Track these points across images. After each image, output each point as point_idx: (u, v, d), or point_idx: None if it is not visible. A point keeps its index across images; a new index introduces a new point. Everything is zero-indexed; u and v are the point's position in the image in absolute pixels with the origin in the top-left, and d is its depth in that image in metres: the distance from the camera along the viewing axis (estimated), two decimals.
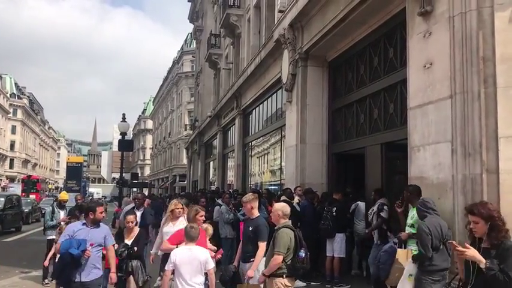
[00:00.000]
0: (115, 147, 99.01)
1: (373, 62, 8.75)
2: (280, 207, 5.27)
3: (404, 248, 5.58)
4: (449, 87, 5.30)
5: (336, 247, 8.35)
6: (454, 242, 3.65)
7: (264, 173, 17.44)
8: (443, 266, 4.80)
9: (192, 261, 4.84)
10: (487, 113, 4.96)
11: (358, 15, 8.22)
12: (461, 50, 5.21)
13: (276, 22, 12.38)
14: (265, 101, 16.08)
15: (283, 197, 8.99)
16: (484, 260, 3.40)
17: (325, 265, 8.44)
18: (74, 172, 32.16)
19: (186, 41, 55.97)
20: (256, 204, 5.86)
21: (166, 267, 4.96)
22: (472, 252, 3.44)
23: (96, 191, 77.11)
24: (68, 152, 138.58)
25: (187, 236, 5.01)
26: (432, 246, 4.72)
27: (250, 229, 5.69)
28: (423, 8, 5.72)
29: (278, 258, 4.88)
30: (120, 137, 19.68)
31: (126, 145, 20.27)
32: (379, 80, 8.43)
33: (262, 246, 5.37)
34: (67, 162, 33.35)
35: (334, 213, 8.26)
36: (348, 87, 10.01)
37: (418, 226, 5.03)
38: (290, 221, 5.23)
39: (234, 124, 20.38)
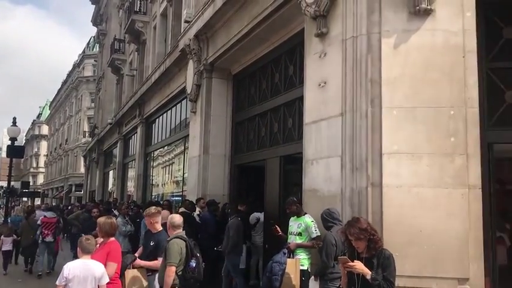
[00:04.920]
0: (3, 153, 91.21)
1: (275, 77, 9.05)
2: (169, 218, 5.32)
3: (293, 257, 5.83)
4: (340, 105, 5.63)
5: None
6: (345, 257, 3.91)
7: (166, 183, 17.14)
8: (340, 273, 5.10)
9: (87, 276, 4.60)
10: (373, 131, 5.32)
11: (262, 31, 8.47)
12: (352, 71, 5.56)
13: (182, 32, 12.33)
14: (169, 110, 15.88)
15: (181, 209, 8.91)
16: (370, 272, 3.74)
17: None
18: None
19: (88, 44, 53.63)
20: (158, 218, 5.78)
21: (57, 282, 4.64)
22: (361, 266, 3.77)
23: None
24: None
25: (82, 249, 4.76)
26: (335, 256, 4.97)
27: (152, 244, 5.61)
28: (319, 30, 6.04)
29: (171, 269, 4.88)
30: (9, 142, 18.20)
31: (16, 151, 18.76)
32: (280, 95, 8.73)
33: (160, 260, 5.31)
34: None
35: None
36: (251, 100, 10.23)
37: (325, 237, 5.29)
38: (183, 231, 5.22)
39: (136, 132, 19.85)
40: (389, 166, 5.20)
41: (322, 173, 5.88)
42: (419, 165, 5.13)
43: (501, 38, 5.63)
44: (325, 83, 5.95)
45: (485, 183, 5.26)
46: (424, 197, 5.08)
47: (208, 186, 10.48)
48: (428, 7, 5.28)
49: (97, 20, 36.47)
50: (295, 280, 5.57)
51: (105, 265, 4.85)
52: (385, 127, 5.28)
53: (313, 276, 5.41)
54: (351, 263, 3.78)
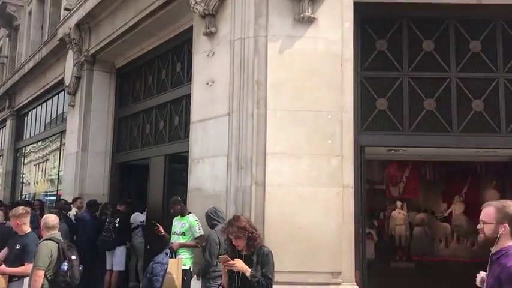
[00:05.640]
0: None
1: (161, 74, 8.86)
2: (43, 219, 4.97)
3: (175, 257, 5.77)
4: (227, 105, 5.69)
5: (116, 260, 8.13)
6: (225, 256, 3.95)
7: (39, 182, 15.87)
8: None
9: None
10: (258, 132, 5.47)
11: (148, 26, 8.22)
12: (239, 72, 5.65)
13: (61, 19, 11.51)
14: (45, 103, 14.71)
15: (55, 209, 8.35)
16: (249, 270, 3.81)
17: (104, 279, 8.11)
18: None
19: None
20: (26, 219, 5.30)
21: None
22: (241, 264, 3.83)
23: None
24: None
25: None
26: (218, 255, 4.97)
27: (18, 247, 5.15)
28: (208, 29, 6.05)
29: (37, 274, 4.56)
30: None
31: None
32: (166, 92, 8.57)
33: (28, 267, 4.90)
34: None
35: (117, 225, 8.03)
36: (136, 96, 9.90)
37: (209, 236, 5.29)
38: (58, 233, 4.89)
39: (5, 126, 18.15)
40: (272, 166, 5.38)
41: (208, 172, 5.89)
42: (299, 165, 5.39)
43: (374, 49, 6.14)
44: (213, 82, 5.97)
45: (357, 183, 5.69)
46: (303, 196, 5.34)
47: (86, 185, 9.91)
48: (312, 15, 5.56)
49: None
50: (177, 280, 5.52)
51: None
52: (269, 128, 5.45)
53: (195, 276, 5.40)
54: (231, 262, 3.84)
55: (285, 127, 5.44)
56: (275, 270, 4.06)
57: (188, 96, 7.10)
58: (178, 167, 8.15)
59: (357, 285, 5.41)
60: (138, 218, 8.82)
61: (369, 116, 6.04)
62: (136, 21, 8.28)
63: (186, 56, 7.88)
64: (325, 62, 5.57)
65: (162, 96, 8.73)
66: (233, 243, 3.99)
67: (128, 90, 10.26)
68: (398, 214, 13.22)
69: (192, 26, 6.74)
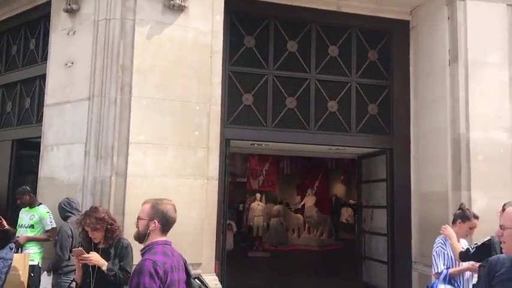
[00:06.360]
0: None
1: (12, 50, 7.94)
2: None
3: (22, 251, 5.30)
4: (88, 89, 5.33)
5: None
6: (80, 249, 3.69)
7: None
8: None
9: None
10: (121, 119, 5.21)
11: None
12: (102, 54, 5.33)
13: None
14: None
15: None
16: (105, 263, 3.62)
17: None
18: None
19: None
20: None
21: None
22: (96, 257, 3.63)
23: None
24: None
25: None
26: (71, 248, 4.66)
27: None
28: (69, 5, 5.58)
29: None
30: None
31: None
32: (17, 70, 7.72)
33: None
34: None
35: None
36: None
37: (61, 228, 4.96)
38: None
39: None
40: (135, 156, 5.18)
41: (63, 160, 5.48)
42: (164, 155, 5.27)
43: (243, 45, 6.29)
44: (72, 63, 5.54)
45: (221, 176, 5.78)
46: (168, 187, 5.23)
47: None
48: (182, 4, 5.44)
49: None
50: (23, 276, 5.05)
51: None
52: (133, 116, 5.22)
53: (45, 272, 5.00)
54: (86, 255, 3.62)
55: (150, 116, 5.26)
56: (134, 263, 3.92)
57: (43, 77, 6.50)
58: (27, 153, 7.45)
59: (216, 276, 5.50)
60: None
61: (235, 110, 6.18)
62: None
63: (42, 32, 7.18)
64: (195, 52, 5.51)
65: (11, 75, 7.84)
66: (89, 235, 3.75)
67: None
68: (257, 206, 13.82)
69: (50, 0, 6.17)
